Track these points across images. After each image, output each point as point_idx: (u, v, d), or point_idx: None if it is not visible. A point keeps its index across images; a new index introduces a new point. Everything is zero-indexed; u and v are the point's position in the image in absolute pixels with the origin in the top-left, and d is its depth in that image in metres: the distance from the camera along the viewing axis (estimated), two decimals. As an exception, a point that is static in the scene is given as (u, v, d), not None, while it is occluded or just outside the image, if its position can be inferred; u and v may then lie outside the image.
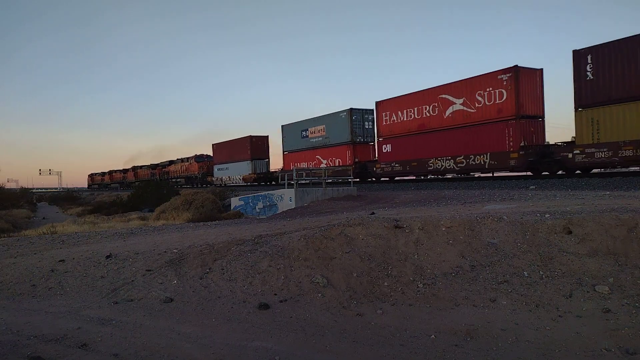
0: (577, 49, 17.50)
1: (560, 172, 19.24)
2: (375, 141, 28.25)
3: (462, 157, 22.00)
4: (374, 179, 28.01)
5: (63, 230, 17.67)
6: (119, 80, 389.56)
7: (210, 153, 49.08)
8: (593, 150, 17.00)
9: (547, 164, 19.32)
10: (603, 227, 6.04)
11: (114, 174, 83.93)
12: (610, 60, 16.57)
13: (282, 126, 36.58)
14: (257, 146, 40.63)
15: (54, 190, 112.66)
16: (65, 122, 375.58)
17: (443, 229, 6.91)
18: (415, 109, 24.38)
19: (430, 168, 23.68)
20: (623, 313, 4.80)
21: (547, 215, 6.85)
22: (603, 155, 16.75)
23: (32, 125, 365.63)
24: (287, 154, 36.12)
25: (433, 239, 6.78)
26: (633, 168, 17.01)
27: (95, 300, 6.71)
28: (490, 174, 21.98)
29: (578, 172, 18.82)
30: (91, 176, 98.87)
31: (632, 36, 16.12)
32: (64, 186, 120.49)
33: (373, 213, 10.35)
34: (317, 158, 32.12)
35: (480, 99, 21.15)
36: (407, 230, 7.04)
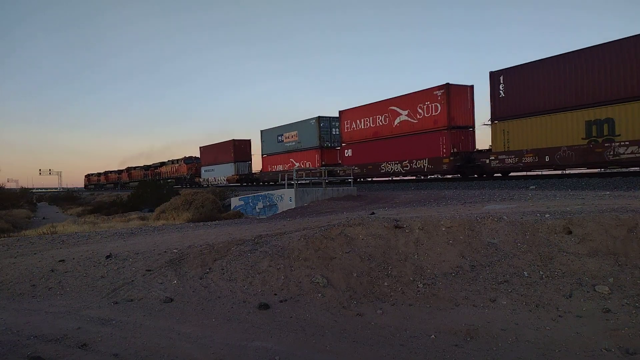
0: (493, 70, 20.41)
1: (484, 175, 22.11)
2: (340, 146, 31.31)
3: (407, 161, 25.03)
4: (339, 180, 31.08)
5: (63, 230, 17.67)
6: (119, 80, 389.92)
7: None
8: (504, 157, 20.08)
9: (471, 168, 22.23)
10: (603, 227, 6.04)
11: (109, 174, 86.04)
12: (517, 81, 19.47)
13: (261, 131, 38.93)
14: (239, 149, 43.47)
15: (54, 190, 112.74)
16: (65, 122, 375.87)
17: (443, 229, 6.91)
18: (371, 118, 27.57)
19: (383, 171, 26.86)
20: (623, 313, 4.80)
21: (547, 215, 6.85)
22: (511, 161, 19.79)
23: (32, 125, 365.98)
24: (265, 156, 38.81)
25: (433, 239, 6.78)
26: (633, 168, 17.25)
27: (95, 300, 6.71)
28: (436, 176, 25.02)
29: (498, 175, 21.82)
30: (88, 177, 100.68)
31: (533, 62, 19.13)
32: (64, 186, 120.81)
33: (373, 213, 10.35)
34: (291, 161, 34.83)
35: (420, 111, 24.23)
36: (407, 230, 7.04)
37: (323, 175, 23.04)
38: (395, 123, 25.78)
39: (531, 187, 16.39)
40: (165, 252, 8.23)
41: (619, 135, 16.33)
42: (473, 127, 23.61)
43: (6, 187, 57.09)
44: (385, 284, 6.16)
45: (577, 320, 4.81)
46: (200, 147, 50.05)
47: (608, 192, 12.01)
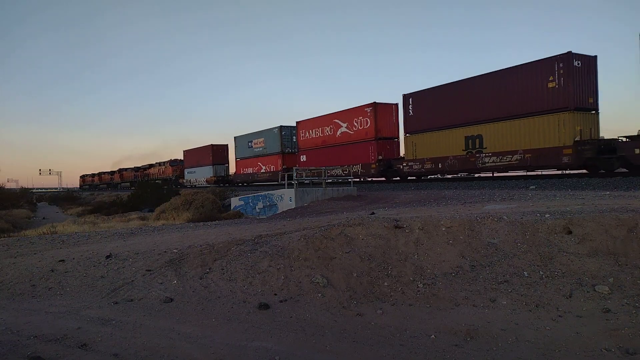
0: (405, 93, 25.49)
1: (399, 178, 26.79)
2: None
3: (346, 166, 29.43)
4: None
5: (63, 230, 17.67)
6: (119, 80, 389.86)
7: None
8: (412, 163, 25.05)
9: (391, 172, 27.02)
10: (603, 227, 6.04)
11: (102, 175, 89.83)
12: (421, 102, 24.55)
13: (234, 137, 43.48)
14: (217, 153, 47.81)
15: (54, 190, 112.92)
16: (65, 122, 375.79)
17: (443, 229, 6.91)
18: (320, 129, 32.46)
19: (329, 174, 30.50)
20: (623, 313, 4.80)
21: (547, 215, 6.85)
22: (417, 167, 24.71)
23: (32, 125, 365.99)
24: (239, 160, 43.20)
25: (433, 239, 6.78)
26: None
27: (95, 300, 6.71)
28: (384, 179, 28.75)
29: (412, 177, 25.85)
30: (82, 177, 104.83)
31: (431, 88, 24.19)
32: (64, 186, 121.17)
33: (373, 213, 10.35)
34: (259, 164, 39.99)
35: (356, 124, 29.01)
36: (407, 230, 7.04)
37: (323, 175, 23.06)
38: (338, 134, 30.85)
39: (531, 187, 16.40)
40: (165, 252, 8.23)
41: (486, 148, 21.14)
42: (398, 137, 28.06)
43: (6, 187, 57.17)
44: (385, 284, 6.16)
45: (577, 320, 4.81)
46: (183, 151, 54.47)
47: (608, 192, 12.02)
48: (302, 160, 34.32)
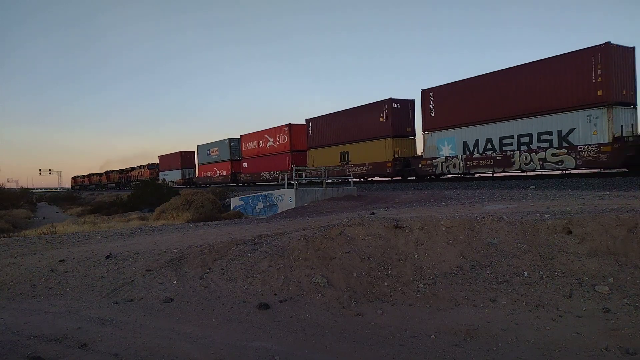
0: (308, 117, 34.17)
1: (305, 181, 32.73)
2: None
3: (273, 172, 37.91)
4: (241, 184, 44.01)
5: (63, 230, 17.67)
6: (119, 80, 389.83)
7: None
8: (311, 170, 30.31)
9: (300, 176, 32.84)
10: (603, 227, 6.04)
11: (92, 177, 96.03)
12: (316, 126, 33.15)
13: (197, 146, 51.76)
14: (186, 159, 55.82)
15: (54, 190, 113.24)
16: (65, 121, 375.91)
17: (443, 229, 6.90)
18: (256, 141, 41.16)
19: (262, 178, 40.22)
20: (623, 313, 4.80)
21: (547, 215, 6.85)
22: (314, 174, 29.46)
23: (32, 125, 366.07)
24: (200, 165, 51.70)
25: (433, 239, 6.78)
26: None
27: (95, 300, 6.71)
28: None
29: (313, 180, 30.09)
30: (74, 178, 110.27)
31: (324, 115, 32.39)
32: (64, 186, 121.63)
33: (373, 213, 10.35)
34: (214, 169, 47.92)
35: (278, 139, 37.76)
36: (407, 230, 7.04)
37: (324, 175, 23.06)
38: (267, 146, 39.49)
39: (531, 187, 16.40)
40: (165, 252, 8.23)
41: (351, 161, 29.79)
42: (306, 150, 35.43)
43: (6, 187, 57.25)
44: (385, 284, 6.16)
45: (577, 320, 4.81)
46: (158, 156, 62.55)
47: (608, 192, 12.02)
48: (244, 166, 43.22)
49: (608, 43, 17.09)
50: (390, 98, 26.10)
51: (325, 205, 18.21)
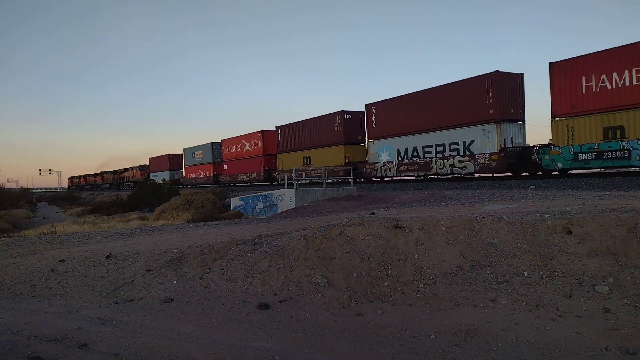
0: (278, 125, 37.79)
1: (276, 182, 37.37)
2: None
3: (249, 174, 42.07)
4: (222, 184, 46.97)
5: (63, 230, 17.67)
6: (119, 80, 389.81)
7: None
8: (281, 173, 34.58)
9: (271, 179, 38.62)
10: (603, 227, 6.04)
11: (88, 177, 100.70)
12: (286, 132, 36.49)
13: (184, 149, 55.85)
14: (174, 161, 59.28)
15: (53, 190, 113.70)
16: (66, 121, 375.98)
17: (443, 229, 6.90)
18: (234, 145, 44.74)
19: (239, 179, 44.17)
20: (623, 313, 4.80)
21: (547, 215, 6.85)
22: (281, 175, 34.10)
23: (32, 125, 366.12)
24: (187, 167, 55.04)
25: (433, 239, 6.78)
26: (634, 168, 17.36)
27: (95, 300, 6.71)
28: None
29: (283, 182, 30.01)
30: (70, 179, 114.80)
31: (290, 123, 36.09)
32: (64, 186, 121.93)
33: (373, 213, 10.35)
34: (199, 171, 51.66)
35: (253, 144, 41.59)
36: (407, 230, 7.04)
37: (323, 175, 23.07)
38: (244, 150, 43.09)
39: (531, 187, 16.40)
40: (165, 252, 8.23)
41: (312, 164, 32.67)
42: (276, 154, 38.14)
43: (6, 187, 57.36)
44: (385, 284, 6.16)
45: (577, 320, 4.81)
46: (149, 158, 66.74)
47: (608, 192, 12.02)
48: (224, 168, 46.91)
49: (497, 71, 21.13)
50: (342, 110, 30.58)
51: (325, 205, 18.21)
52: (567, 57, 18.12)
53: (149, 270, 7.47)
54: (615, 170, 17.81)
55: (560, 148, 18.24)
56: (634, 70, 16.07)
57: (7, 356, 4.71)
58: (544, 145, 19.25)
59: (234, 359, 4.47)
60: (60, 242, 11.87)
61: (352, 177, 23.87)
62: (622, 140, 16.41)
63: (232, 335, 5.09)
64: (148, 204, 31.03)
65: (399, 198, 17.26)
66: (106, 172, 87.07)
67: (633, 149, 15.97)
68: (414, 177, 25.74)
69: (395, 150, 26.44)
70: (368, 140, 28.79)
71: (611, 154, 16.68)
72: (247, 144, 42.17)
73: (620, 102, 16.46)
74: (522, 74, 21.67)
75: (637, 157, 15.98)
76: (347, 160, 29.67)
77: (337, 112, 30.59)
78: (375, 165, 27.82)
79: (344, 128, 30.03)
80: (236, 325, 5.39)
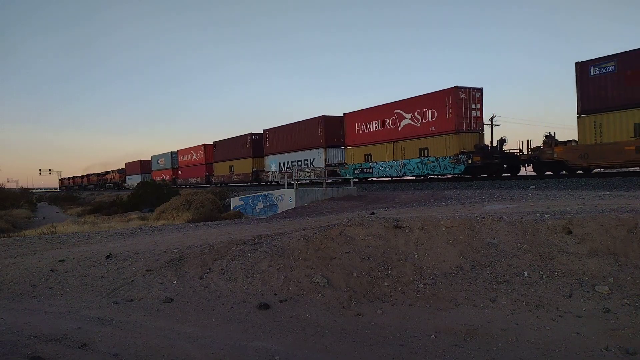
0: (214, 141, 47.82)
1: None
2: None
3: (196, 178, 51.95)
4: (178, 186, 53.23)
5: (63, 230, 17.68)
6: (119, 78, 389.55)
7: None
8: (216, 178, 45.96)
9: (210, 182, 47.39)
10: (603, 227, 6.04)
11: (76, 179, 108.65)
12: (219, 146, 46.46)
13: (152, 156, 65.51)
14: (144, 165, 67.40)
15: (54, 190, 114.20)
16: (65, 121, 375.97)
17: (443, 229, 6.90)
18: (187, 154, 54.26)
19: (189, 182, 52.87)
20: (623, 313, 4.80)
21: (547, 215, 6.85)
22: (219, 180, 46.25)
23: (32, 125, 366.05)
24: (154, 171, 63.84)
25: (433, 239, 6.77)
26: (633, 169, 17.61)
27: (95, 300, 6.71)
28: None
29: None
30: (61, 180, 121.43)
31: (227, 138, 45.20)
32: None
33: (373, 213, 10.36)
34: (162, 175, 59.96)
35: (198, 154, 51.28)
36: (407, 230, 7.04)
37: (323, 175, 23.06)
38: (192, 159, 52.97)
39: (531, 187, 16.41)
40: (165, 252, 8.23)
41: (235, 171, 43.35)
42: (213, 163, 48.51)
43: (6, 187, 57.43)
44: (385, 284, 6.16)
45: (577, 320, 4.81)
46: (125, 163, 75.88)
47: (608, 192, 12.02)
48: (180, 173, 56.25)
49: (324, 115, 32.23)
50: (251, 133, 41.33)
51: (325, 205, 18.21)
52: (352, 111, 30.34)
53: (149, 270, 7.47)
54: (369, 179, 29.69)
55: (348, 165, 30.39)
56: (378, 121, 28.04)
57: (7, 356, 4.71)
58: (341, 163, 31.27)
59: (233, 359, 4.47)
60: (60, 242, 11.87)
61: (252, 182, 40.54)
62: (369, 162, 28.94)
63: (232, 335, 5.09)
64: (148, 204, 31.03)
65: (398, 198, 17.26)
66: (92, 174, 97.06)
67: (373, 167, 28.50)
68: (277, 182, 37.16)
69: (279, 163, 37.50)
70: (265, 155, 39.50)
71: (366, 170, 29.10)
72: (195, 154, 52.29)
73: (372, 140, 28.64)
74: (343, 116, 31.09)
75: (377, 172, 28.32)
76: (253, 169, 40.76)
77: (247, 134, 41.90)
78: (268, 173, 38.85)
79: (252, 146, 40.97)
80: (236, 325, 5.39)
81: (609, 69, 17.89)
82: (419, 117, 25.08)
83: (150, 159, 66.23)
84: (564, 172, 20.12)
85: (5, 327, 5.63)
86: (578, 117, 18.84)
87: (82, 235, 13.67)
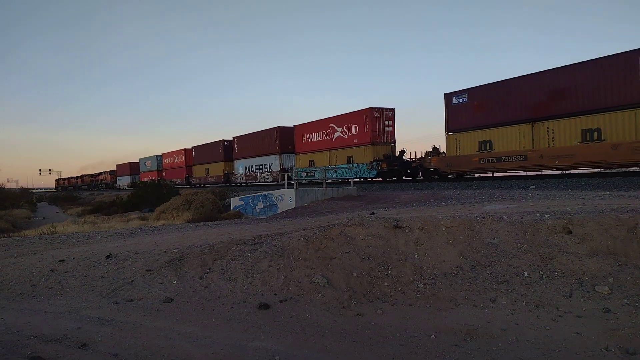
0: (193, 146, 53.34)
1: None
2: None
3: (177, 179, 54.79)
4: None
5: (63, 230, 17.68)
6: (119, 79, 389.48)
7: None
8: (195, 179, 51.90)
9: (190, 183, 52.07)
10: (603, 227, 6.04)
11: (71, 179, 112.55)
12: (196, 151, 52.02)
13: (139, 159, 70.26)
14: (133, 167, 71.69)
15: (54, 190, 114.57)
16: (66, 121, 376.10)
17: (443, 229, 6.90)
18: (169, 158, 59.43)
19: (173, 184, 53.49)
20: (623, 313, 4.80)
21: (547, 215, 6.85)
22: (196, 181, 51.91)
23: (32, 125, 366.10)
24: (141, 173, 67.64)
25: (433, 239, 6.77)
26: (633, 169, 17.77)
27: (95, 300, 6.71)
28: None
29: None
30: (57, 180, 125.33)
31: (203, 144, 50.73)
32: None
33: (373, 213, 10.35)
34: (149, 176, 61.84)
35: (180, 158, 56.24)
36: (407, 230, 7.04)
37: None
38: (174, 162, 57.71)
39: (531, 187, 16.41)
40: (165, 252, 8.23)
41: (210, 173, 48.68)
42: (192, 166, 53.34)
43: (6, 187, 57.43)
44: (385, 284, 6.16)
45: (577, 320, 4.81)
46: (116, 165, 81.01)
47: (608, 192, 12.02)
48: (164, 175, 59.70)
49: (279, 126, 37.77)
50: (222, 140, 45.99)
51: (325, 205, 18.21)
52: (300, 123, 35.78)
53: (149, 270, 7.47)
54: (315, 180, 31.12)
55: (297, 169, 33.74)
56: (318, 133, 33.45)
57: (7, 356, 4.71)
58: (291, 168, 35.14)
59: (234, 359, 4.47)
60: (60, 242, 11.87)
61: (224, 183, 44.79)
62: (313, 167, 33.63)
63: (232, 335, 5.09)
64: (148, 204, 31.03)
65: (398, 198, 17.26)
66: (86, 175, 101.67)
67: (315, 171, 32.70)
68: (246, 184, 43.09)
69: (245, 166, 42.82)
70: (234, 160, 44.44)
71: (310, 173, 33.32)
72: (177, 158, 57.46)
73: (314, 148, 33.98)
74: (293, 127, 36.42)
75: (317, 175, 31.82)
76: (225, 172, 45.60)
77: (219, 140, 46.31)
78: (237, 175, 44.20)
79: (224, 151, 45.53)
80: (236, 325, 5.39)
81: (463, 99, 23.11)
82: (346, 130, 30.95)
83: (138, 161, 71.44)
84: (437, 177, 25.67)
85: (5, 327, 5.63)
86: (446, 135, 24.19)
87: (82, 235, 13.66)
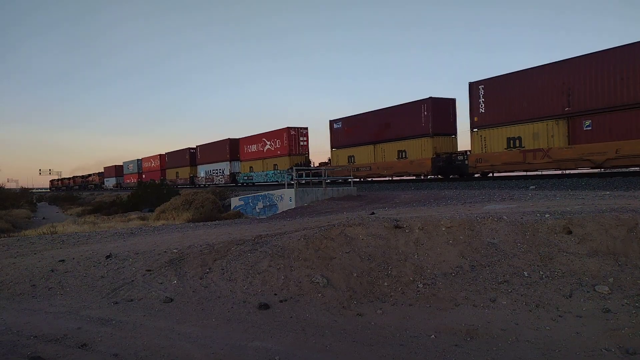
0: (166, 152, 60.00)
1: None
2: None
3: (172, 180, 57.04)
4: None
5: (63, 230, 17.67)
6: (120, 77, 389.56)
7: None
8: (169, 181, 54.55)
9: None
10: (603, 227, 6.04)
11: (64, 180, 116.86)
12: (170, 156, 59.06)
13: (123, 162, 75.18)
14: (118, 170, 77.55)
15: (47, 190, 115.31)
16: (66, 120, 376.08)
17: (443, 229, 6.90)
18: (148, 162, 64.91)
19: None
20: (623, 313, 4.80)
21: (547, 215, 6.85)
22: (173, 181, 55.00)
23: (32, 125, 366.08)
24: (125, 175, 73.66)
25: (433, 239, 6.78)
26: (633, 169, 17.85)
27: (95, 300, 6.71)
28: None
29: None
30: (52, 181, 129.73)
31: (178, 150, 57.20)
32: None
33: (373, 213, 10.36)
34: (131, 178, 69.26)
35: (155, 162, 62.48)
36: (407, 230, 7.04)
37: (323, 175, 23.08)
38: (151, 165, 62.73)
39: (531, 187, 16.41)
40: (165, 252, 8.23)
41: (179, 176, 56.09)
42: (166, 169, 59.54)
43: (6, 187, 57.50)
44: (385, 284, 6.16)
45: (577, 320, 4.81)
46: (103, 167, 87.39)
47: (608, 192, 12.02)
48: (143, 177, 63.82)
49: (229, 138, 44.38)
50: (188, 148, 53.37)
51: (325, 205, 18.21)
52: (244, 137, 43.78)
53: (149, 270, 7.47)
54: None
55: (241, 174, 43.15)
56: (255, 145, 41.75)
57: (7, 356, 4.71)
58: (237, 173, 41.81)
59: (233, 359, 4.47)
60: (60, 242, 11.87)
61: (190, 185, 50.59)
62: (252, 172, 42.33)
63: (232, 335, 5.09)
64: (148, 204, 31.02)
65: (398, 198, 17.26)
66: (77, 176, 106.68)
67: (254, 176, 41.89)
68: (205, 185, 47.48)
69: (205, 171, 49.79)
70: (197, 165, 51.45)
71: (250, 177, 42.52)
72: (153, 162, 63.17)
73: (252, 157, 42.16)
74: (239, 139, 44.44)
75: (255, 179, 41.71)
76: (190, 175, 52.42)
77: (185, 148, 53.75)
78: (199, 178, 50.70)
79: (190, 157, 52.67)
80: (236, 325, 5.39)
81: (339, 125, 33.34)
82: (273, 144, 39.69)
83: (122, 164, 77.86)
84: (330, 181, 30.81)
85: (5, 327, 5.63)
86: (331, 150, 34.42)
87: (82, 235, 13.67)
